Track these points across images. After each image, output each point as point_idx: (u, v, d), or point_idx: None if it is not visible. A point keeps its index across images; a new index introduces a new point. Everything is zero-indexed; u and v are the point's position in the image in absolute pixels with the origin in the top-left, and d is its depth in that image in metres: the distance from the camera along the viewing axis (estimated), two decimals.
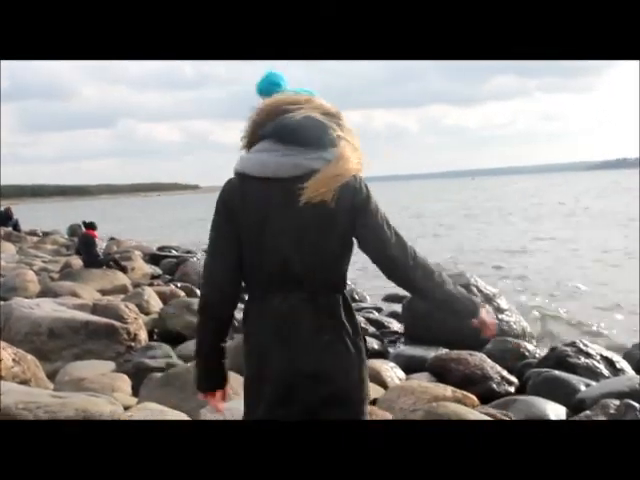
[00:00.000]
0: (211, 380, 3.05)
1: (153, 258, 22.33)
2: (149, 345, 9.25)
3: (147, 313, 11.79)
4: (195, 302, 11.27)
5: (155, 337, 10.47)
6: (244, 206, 2.84)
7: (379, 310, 13.69)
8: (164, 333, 10.58)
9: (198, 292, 14.51)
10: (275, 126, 2.89)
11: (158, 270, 19.78)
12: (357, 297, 15.33)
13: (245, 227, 2.85)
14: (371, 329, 11.08)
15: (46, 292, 12.72)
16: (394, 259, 2.90)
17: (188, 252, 25.38)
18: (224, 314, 2.96)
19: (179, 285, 15.14)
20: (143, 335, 9.69)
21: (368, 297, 15.76)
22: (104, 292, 13.92)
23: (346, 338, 2.94)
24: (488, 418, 6.10)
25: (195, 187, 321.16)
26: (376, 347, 9.84)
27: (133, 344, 9.28)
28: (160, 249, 26.04)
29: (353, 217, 2.86)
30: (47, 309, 9.55)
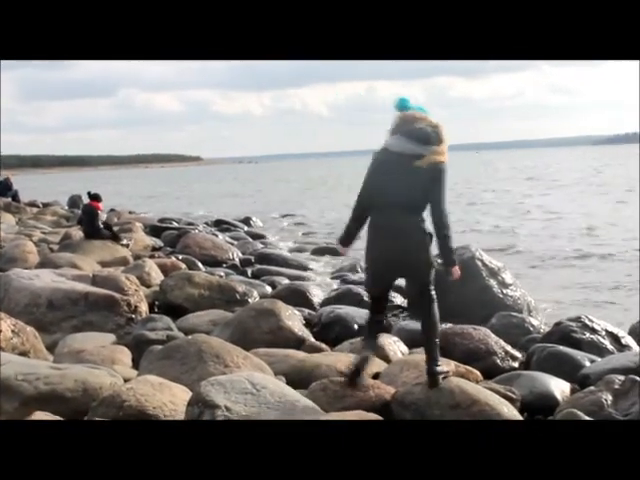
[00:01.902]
0: (348, 241, 6.17)
1: (154, 230, 22.31)
2: (150, 317, 9.26)
3: (148, 285, 11.79)
4: (196, 274, 11.32)
5: (156, 309, 10.47)
6: (385, 162, 5.73)
7: None
8: (165, 305, 10.59)
9: (200, 265, 14.61)
10: (407, 129, 5.66)
11: (159, 242, 19.78)
12: (360, 269, 15.33)
13: (385, 173, 5.70)
14: None
15: (45, 263, 12.73)
16: (443, 211, 5.70)
17: (190, 224, 25.37)
18: (363, 216, 5.94)
19: (180, 257, 15.16)
20: (144, 307, 9.71)
21: None
22: (104, 264, 13.91)
23: (421, 236, 5.71)
24: (491, 393, 6.12)
25: (197, 158, 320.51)
26: None
27: (133, 316, 9.31)
28: (161, 221, 26.03)
29: (432, 182, 5.62)
30: (46, 280, 9.57)
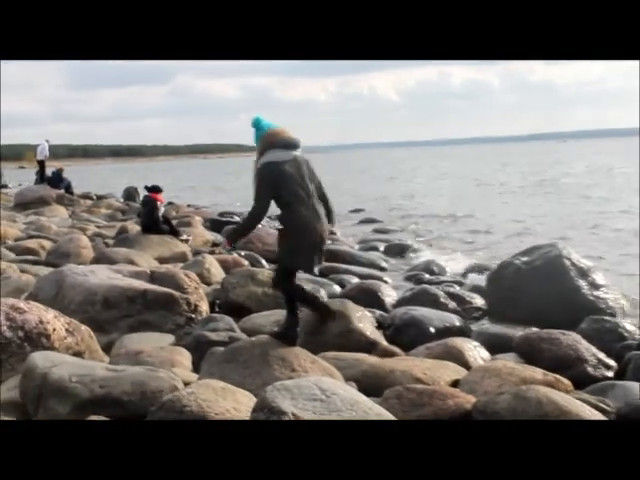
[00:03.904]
0: (238, 240, 7.91)
1: (214, 224, 22.44)
2: (210, 317, 9.30)
3: (208, 283, 11.84)
4: (259, 272, 11.32)
5: (217, 309, 10.52)
6: (279, 173, 7.10)
7: (460, 284, 13.57)
8: (226, 305, 10.61)
9: (264, 262, 14.66)
10: (281, 142, 7.22)
11: (220, 237, 19.89)
12: (435, 270, 15.24)
13: (280, 180, 7.08)
14: (451, 304, 10.98)
15: (100, 259, 12.88)
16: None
17: None
18: (262, 218, 7.40)
19: (242, 254, 15.21)
20: (204, 306, 9.75)
21: (448, 269, 15.64)
22: (162, 260, 14.05)
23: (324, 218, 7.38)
24: (582, 404, 6.02)
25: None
26: (457, 324, 9.76)
27: (193, 316, 9.35)
28: (222, 215, 26.18)
29: (310, 171, 7.37)
30: (102, 276, 9.67)
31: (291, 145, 7.31)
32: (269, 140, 7.28)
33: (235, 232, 7.72)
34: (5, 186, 45.84)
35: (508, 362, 7.57)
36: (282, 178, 7.15)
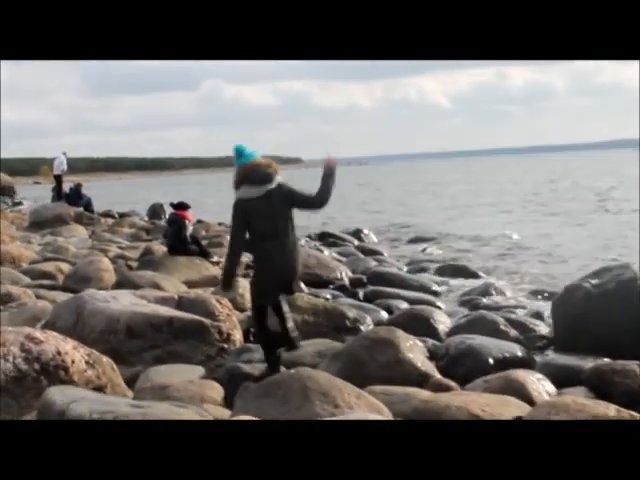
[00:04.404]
0: (230, 282, 8.36)
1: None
2: (245, 347, 9.31)
3: (242, 309, 11.84)
4: (298, 297, 11.27)
5: (252, 338, 10.51)
6: (248, 210, 7.97)
7: (522, 309, 13.48)
8: None
9: (303, 286, 14.66)
10: (253, 178, 8.00)
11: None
12: (493, 294, 15.13)
13: (250, 216, 7.95)
14: (512, 332, 10.87)
15: (123, 283, 12.98)
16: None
17: None
18: (241, 254, 8.48)
19: None
20: (237, 335, 9.77)
21: (508, 293, 15.52)
22: (190, 284, 14.07)
23: (297, 252, 8.29)
24: None
25: (297, 161, 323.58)
26: (519, 354, 9.65)
27: (226, 346, 9.37)
28: None
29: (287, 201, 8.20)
30: (125, 302, 9.71)
31: (263, 181, 8.02)
32: (242, 176, 8.08)
33: (224, 277, 8.36)
34: (19, 203, 46.41)
35: (577, 397, 7.47)
36: (250, 215, 7.97)
